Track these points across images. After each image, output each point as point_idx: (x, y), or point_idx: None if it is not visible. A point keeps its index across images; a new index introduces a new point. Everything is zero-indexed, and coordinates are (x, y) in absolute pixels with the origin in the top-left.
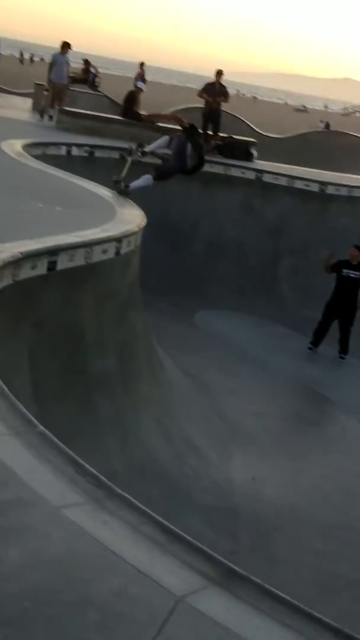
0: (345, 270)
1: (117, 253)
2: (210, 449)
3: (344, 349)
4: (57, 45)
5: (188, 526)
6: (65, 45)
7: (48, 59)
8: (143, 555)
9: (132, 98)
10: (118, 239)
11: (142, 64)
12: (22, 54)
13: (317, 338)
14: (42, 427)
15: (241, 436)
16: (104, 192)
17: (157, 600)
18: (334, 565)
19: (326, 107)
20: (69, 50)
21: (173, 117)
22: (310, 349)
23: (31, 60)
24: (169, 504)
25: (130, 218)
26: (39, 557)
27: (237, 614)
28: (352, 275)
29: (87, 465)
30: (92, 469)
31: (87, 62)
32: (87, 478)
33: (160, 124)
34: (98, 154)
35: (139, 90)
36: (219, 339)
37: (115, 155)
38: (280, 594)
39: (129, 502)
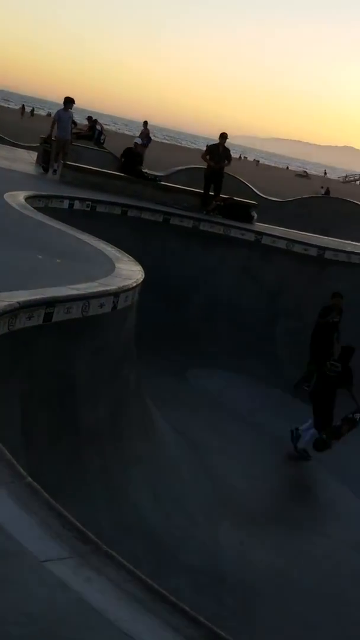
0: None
1: (114, 307)
2: (199, 510)
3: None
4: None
5: (173, 587)
6: (69, 101)
7: (52, 112)
8: (125, 614)
9: (129, 154)
10: (115, 294)
11: (145, 123)
12: (23, 108)
13: None
14: (29, 479)
15: (230, 498)
16: (104, 247)
17: None
18: (319, 635)
19: (325, 173)
20: (72, 105)
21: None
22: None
23: (32, 114)
24: (154, 563)
25: (129, 273)
26: (20, 610)
27: None
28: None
29: (73, 520)
30: (78, 524)
31: (92, 120)
32: (72, 533)
33: (167, 184)
34: (100, 208)
35: (137, 146)
36: (212, 397)
37: (117, 210)
38: None
39: (114, 559)
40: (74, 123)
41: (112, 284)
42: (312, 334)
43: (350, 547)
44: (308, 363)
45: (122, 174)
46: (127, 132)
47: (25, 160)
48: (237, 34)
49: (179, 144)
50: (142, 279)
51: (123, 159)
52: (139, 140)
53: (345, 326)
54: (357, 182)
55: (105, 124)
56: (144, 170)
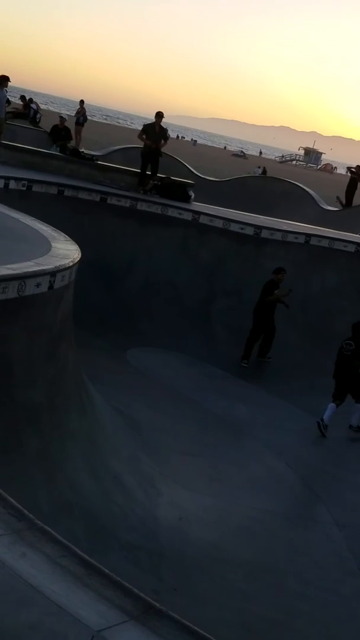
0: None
1: (51, 287)
2: (138, 486)
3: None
4: None
5: (112, 563)
6: (4, 79)
7: None
8: (61, 588)
9: (53, 131)
10: (52, 273)
11: (81, 102)
12: None
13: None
14: None
15: (169, 475)
16: (40, 226)
17: (73, 634)
18: (258, 607)
19: (261, 153)
20: (7, 83)
21: None
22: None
23: None
24: (93, 540)
25: (65, 253)
26: None
27: None
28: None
29: (9, 497)
30: (13, 501)
31: (25, 98)
32: (7, 509)
33: (104, 163)
34: (36, 188)
35: (62, 121)
36: (151, 376)
37: (53, 190)
38: (199, 630)
39: (49, 535)
40: (8, 102)
41: (48, 263)
42: (255, 310)
43: (285, 519)
44: (249, 339)
45: (58, 154)
46: (63, 112)
47: None
48: (178, 14)
49: (116, 124)
50: (78, 259)
51: (51, 137)
52: (65, 116)
53: (280, 306)
54: (294, 162)
55: (41, 103)
56: (80, 150)
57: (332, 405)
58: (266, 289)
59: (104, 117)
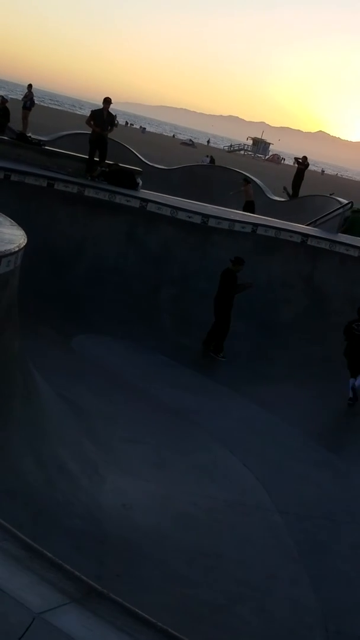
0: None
1: None
2: (82, 473)
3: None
4: None
5: (55, 550)
6: None
7: None
8: (2, 571)
9: None
10: None
11: (29, 86)
12: None
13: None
14: None
15: (114, 462)
16: None
17: (14, 616)
18: (199, 592)
19: (209, 142)
20: None
21: None
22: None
23: None
24: (36, 527)
25: (11, 238)
26: None
27: (95, 631)
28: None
29: None
30: None
31: None
32: None
33: (51, 149)
34: None
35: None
36: (97, 364)
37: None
38: (141, 612)
39: None
40: None
41: None
42: (218, 302)
43: (228, 506)
44: (219, 333)
45: (4, 137)
46: (12, 96)
47: None
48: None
49: (64, 109)
50: (24, 244)
51: None
52: (6, 97)
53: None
54: (242, 152)
55: None
56: (27, 134)
57: (352, 380)
58: (228, 279)
59: (54, 102)
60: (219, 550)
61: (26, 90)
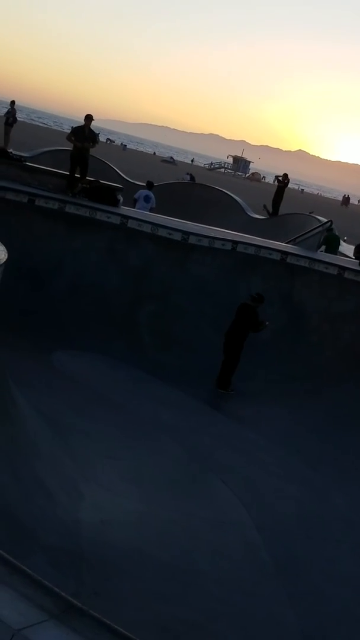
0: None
1: None
2: (60, 489)
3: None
4: None
5: (32, 566)
6: None
7: None
8: None
9: None
10: None
11: (12, 102)
12: None
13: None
14: None
15: (92, 478)
16: None
17: None
18: (177, 609)
19: (193, 160)
20: None
21: None
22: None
23: None
24: (13, 543)
25: None
26: None
27: None
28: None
29: None
30: None
31: None
32: None
33: (32, 165)
34: None
35: None
36: (76, 380)
37: None
38: (119, 629)
39: None
40: None
41: None
42: (232, 336)
43: (205, 522)
44: (229, 368)
45: None
46: None
47: None
48: (115, 17)
49: (46, 126)
50: (5, 259)
51: None
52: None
53: (206, 312)
54: (222, 170)
55: None
56: (9, 150)
57: None
58: (250, 316)
59: (37, 119)
60: (197, 567)
61: (9, 107)
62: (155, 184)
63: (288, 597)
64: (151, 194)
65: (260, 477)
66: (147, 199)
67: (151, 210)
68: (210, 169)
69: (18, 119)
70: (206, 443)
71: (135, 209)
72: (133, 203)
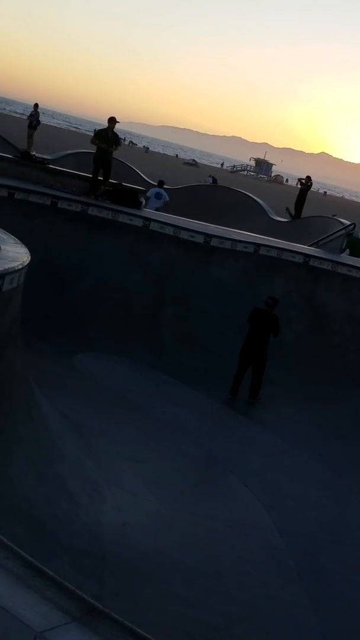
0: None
1: None
2: (82, 492)
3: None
4: None
5: (55, 568)
6: None
7: None
8: (3, 589)
9: None
10: (1, 276)
11: (36, 105)
12: None
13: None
14: None
15: (114, 480)
16: None
17: (16, 635)
18: (199, 613)
19: (222, 165)
20: None
21: None
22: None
23: None
24: (36, 545)
25: (15, 256)
26: None
27: None
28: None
29: None
30: None
31: None
32: None
33: (55, 167)
34: None
35: None
36: (98, 382)
37: (3, 192)
38: (142, 632)
39: None
40: None
41: None
42: (254, 342)
43: (228, 526)
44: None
45: (7, 155)
46: (14, 115)
47: None
48: (132, 20)
49: (69, 128)
50: (28, 262)
51: None
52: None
53: (228, 314)
54: (245, 173)
55: None
56: (32, 153)
57: None
58: (273, 321)
59: (60, 121)
60: (219, 571)
61: (32, 109)
62: (177, 187)
63: (310, 602)
64: (162, 191)
65: (282, 481)
66: (158, 196)
67: (165, 205)
68: (232, 172)
69: (41, 121)
70: (228, 446)
71: (148, 209)
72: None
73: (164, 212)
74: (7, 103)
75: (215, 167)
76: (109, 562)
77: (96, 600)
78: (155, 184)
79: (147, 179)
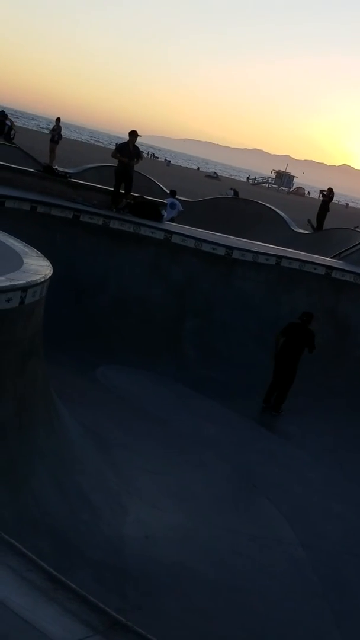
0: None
1: (22, 302)
2: (104, 504)
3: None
4: None
5: (77, 581)
6: None
7: None
8: (26, 602)
9: None
10: (23, 289)
11: (58, 120)
12: None
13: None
14: None
15: (136, 493)
16: (12, 242)
17: None
18: (221, 626)
19: (248, 178)
20: None
21: None
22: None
23: None
24: (59, 557)
25: (37, 269)
26: None
27: None
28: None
29: None
30: None
31: (2, 114)
32: None
33: (77, 181)
34: (9, 204)
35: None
36: (119, 394)
37: (26, 206)
38: None
39: (15, 549)
40: None
41: (20, 278)
42: (287, 356)
43: (250, 539)
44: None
45: (31, 170)
46: (36, 129)
47: None
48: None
49: (90, 142)
50: (50, 275)
51: None
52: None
53: (250, 327)
54: (266, 185)
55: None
56: (54, 167)
57: None
58: (310, 336)
59: (82, 135)
60: (241, 584)
61: (54, 124)
62: (199, 199)
63: (334, 615)
64: (176, 201)
65: (305, 493)
66: (172, 205)
67: (179, 214)
68: (253, 184)
69: (63, 135)
70: (250, 459)
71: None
72: None
73: (177, 222)
74: (31, 118)
75: (237, 180)
76: (131, 574)
77: (119, 613)
78: (187, 199)
79: (168, 191)
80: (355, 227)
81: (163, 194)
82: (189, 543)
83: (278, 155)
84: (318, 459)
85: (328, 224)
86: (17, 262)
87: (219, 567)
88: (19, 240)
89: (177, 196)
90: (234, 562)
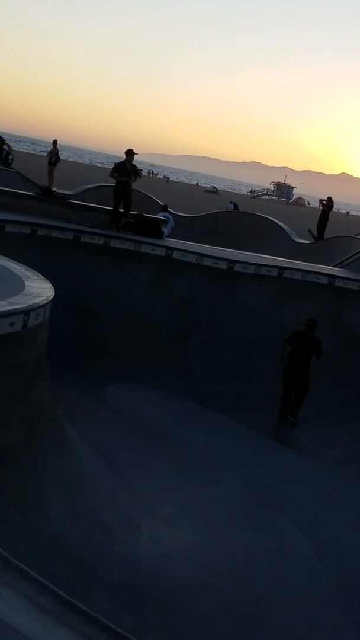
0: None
1: (25, 326)
2: (117, 524)
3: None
4: None
5: (93, 603)
6: None
7: None
8: (38, 627)
9: None
10: (26, 312)
11: (55, 142)
12: None
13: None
14: None
15: (149, 511)
16: (13, 266)
17: None
18: None
19: (251, 191)
20: None
21: None
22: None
23: None
24: (73, 580)
25: (39, 291)
26: None
27: None
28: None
29: None
30: None
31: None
32: None
33: (76, 202)
34: (9, 228)
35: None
36: (128, 413)
37: (26, 229)
38: None
39: (25, 574)
40: None
41: (22, 302)
42: (298, 364)
43: (266, 553)
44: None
45: (30, 193)
46: (33, 153)
47: None
48: (152, 53)
49: (88, 163)
50: (52, 297)
51: None
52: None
53: (256, 339)
54: (265, 197)
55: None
56: (53, 189)
57: None
58: (316, 342)
59: (80, 157)
60: (258, 599)
61: (51, 147)
62: (199, 215)
63: (354, 627)
64: (168, 215)
65: (319, 505)
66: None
67: (170, 229)
68: (253, 197)
69: (62, 158)
70: (263, 472)
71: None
72: None
73: (179, 239)
74: (32, 142)
75: (235, 194)
76: (147, 594)
77: (137, 633)
78: (185, 215)
79: (168, 208)
80: (356, 235)
81: (160, 210)
82: (204, 559)
83: (276, 167)
84: (331, 470)
85: (329, 232)
86: (18, 286)
87: (235, 582)
88: (20, 264)
89: (176, 212)
90: (250, 577)
